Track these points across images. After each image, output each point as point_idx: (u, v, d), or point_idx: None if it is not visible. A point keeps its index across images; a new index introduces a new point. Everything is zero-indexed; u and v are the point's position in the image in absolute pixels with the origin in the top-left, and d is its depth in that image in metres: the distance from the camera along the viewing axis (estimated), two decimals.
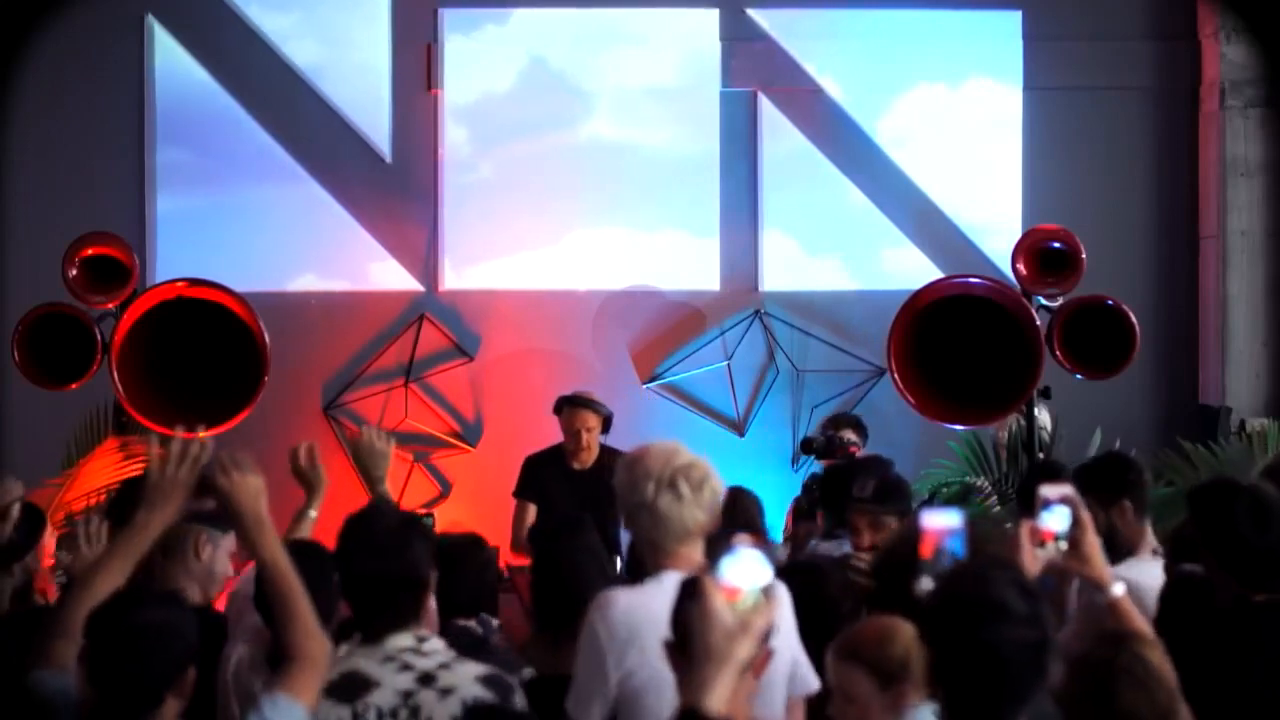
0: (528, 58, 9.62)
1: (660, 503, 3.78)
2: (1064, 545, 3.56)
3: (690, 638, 2.57)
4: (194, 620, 3.31)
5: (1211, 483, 4.69)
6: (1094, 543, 3.59)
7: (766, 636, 2.57)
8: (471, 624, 4.57)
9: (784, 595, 3.86)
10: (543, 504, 7.59)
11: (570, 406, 7.72)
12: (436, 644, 3.69)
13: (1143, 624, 3.65)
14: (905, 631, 3.40)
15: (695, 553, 3.83)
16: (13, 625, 4.46)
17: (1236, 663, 3.92)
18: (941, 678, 2.91)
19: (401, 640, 3.63)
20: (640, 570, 4.68)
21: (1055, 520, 3.54)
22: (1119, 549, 4.89)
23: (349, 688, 3.56)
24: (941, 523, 2.61)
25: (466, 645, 4.03)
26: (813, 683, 3.91)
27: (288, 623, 3.31)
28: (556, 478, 7.65)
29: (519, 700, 3.69)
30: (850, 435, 7.42)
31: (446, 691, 3.58)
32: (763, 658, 3.11)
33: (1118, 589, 3.63)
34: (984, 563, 3.17)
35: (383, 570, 3.64)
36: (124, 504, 5.37)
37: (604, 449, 7.70)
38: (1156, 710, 3.27)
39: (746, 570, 2.46)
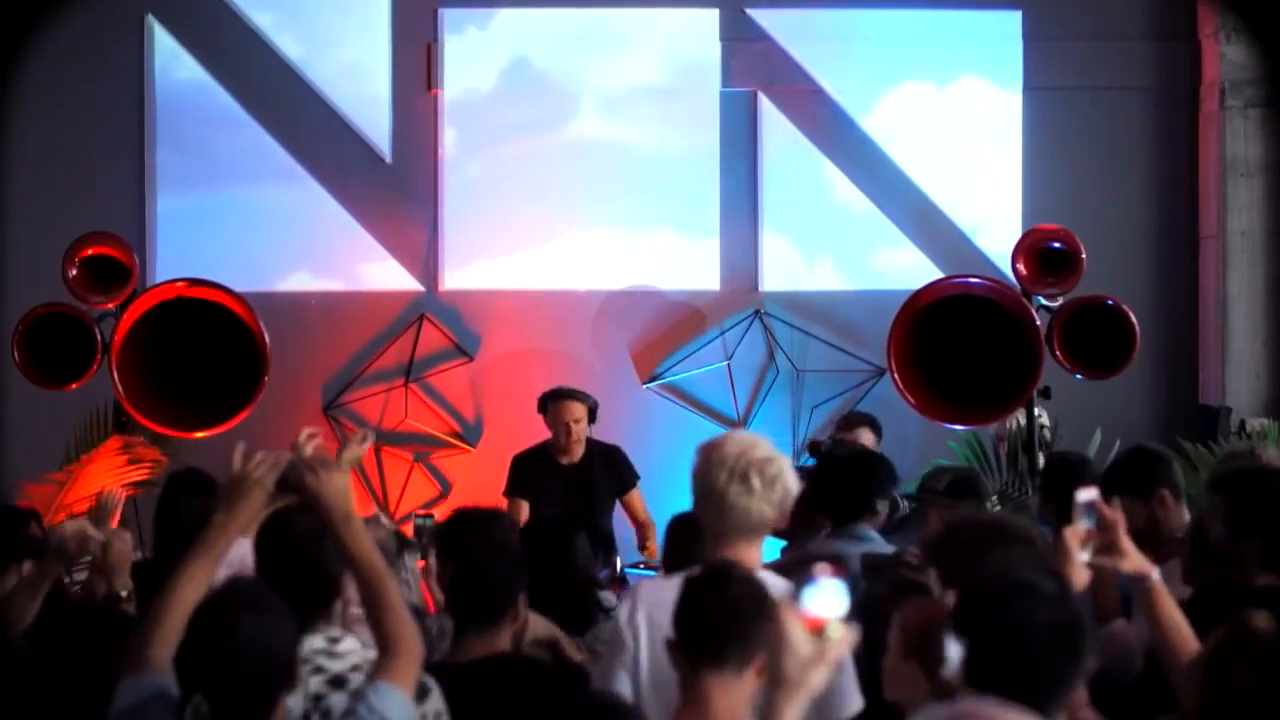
0: (527, 58, 9.62)
1: (730, 492, 3.75)
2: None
3: (768, 663, 2.59)
4: (291, 617, 3.26)
5: (1250, 470, 4.73)
6: (1126, 540, 3.66)
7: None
8: None
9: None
10: (533, 501, 7.58)
11: (555, 400, 7.70)
12: (350, 644, 3.64)
13: (1179, 613, 3.71)
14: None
15: (754, 550, 3.81)
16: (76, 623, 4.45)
17: None
18: (974, 672, 2.85)
19: (313, 642, 3.58)
20: (681, 558, 4.67)
21: (1083, 525, 3.64)
22: (1163, 539, 4.94)
23: None
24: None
25: None
26: (855, 702, 3.80)
27: (384, 615, 3.34)
28: (545, 474, 7.64)
29: (434, 701, 3.63)
30: (867, 435, 7.43)
31: (357, 695, 3.53)
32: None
33: (1155, 577, 3.70)
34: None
35: (295, 570, 3.60)
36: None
37: (592, 443, 7.70)
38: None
39: (828, 600, 2.45)
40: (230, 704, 3.15)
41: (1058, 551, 3.63)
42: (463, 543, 4.73)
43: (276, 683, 3.17)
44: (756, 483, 3.76)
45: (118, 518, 5.74)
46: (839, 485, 5.45)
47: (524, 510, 7.53)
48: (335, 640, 3.63)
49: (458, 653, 4.21)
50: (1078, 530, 3.62)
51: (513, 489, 7.70)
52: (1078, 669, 2.88)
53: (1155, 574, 3.73)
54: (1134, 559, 3.69)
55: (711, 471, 3.78)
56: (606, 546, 7.38)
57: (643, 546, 7.58)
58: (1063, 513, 5.04)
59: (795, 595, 2.47)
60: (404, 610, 3.36)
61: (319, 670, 3.56)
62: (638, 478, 7.74)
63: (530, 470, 7.69)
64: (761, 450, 3.80)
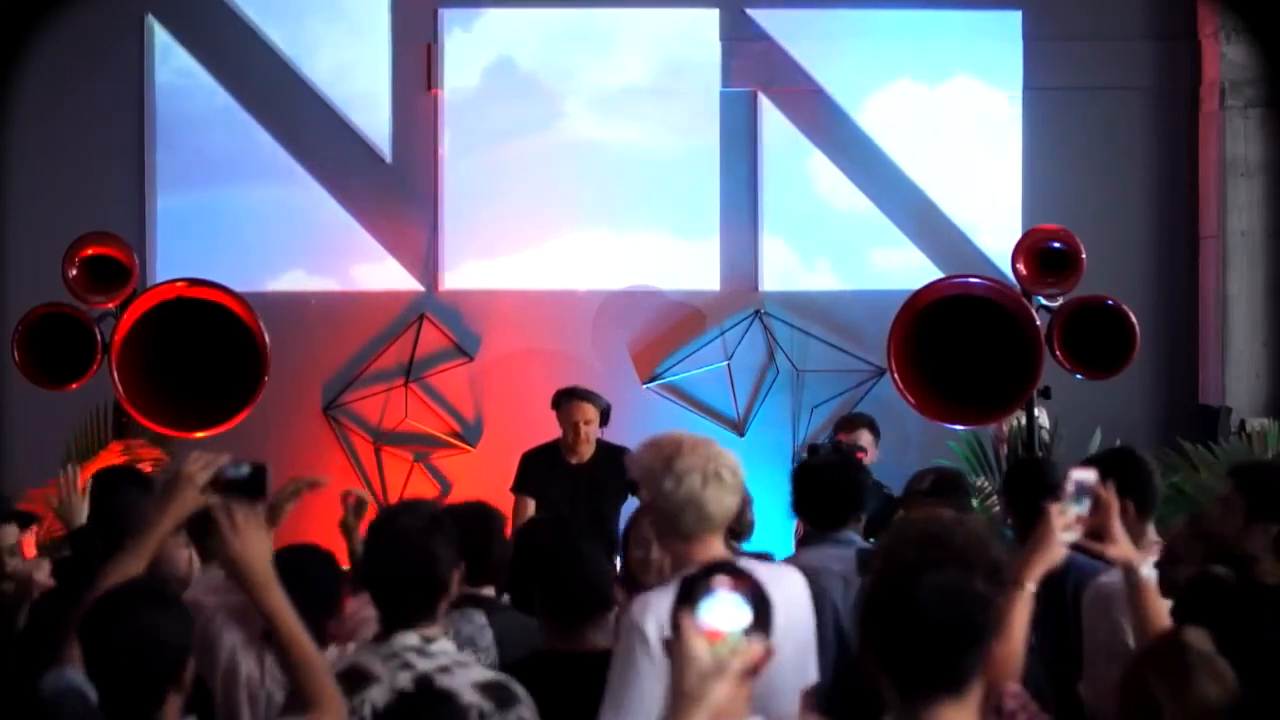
0: (527, 57, 9.62)
1: (708, 495, 3.76)
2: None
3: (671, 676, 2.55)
4: (187, 615, 3.30)
5: (1263, 464, 4.70)
6: (1118, 525, 3.64)
7: (755, 671, 2.56)
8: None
9: (802, 586, 3.88)
10: (540, 499, 7.59)
11: (568, 399, 7.72)
12: (445, 645, 3.66)
13: (1161, 607, 3.67)
14: None
15: (719, 544, 3.83)
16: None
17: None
18: (882, 654, 2.86)
19: (407, 639, 3.61)
20: (636, 575, 4.67)
21: (1072, 504, 3.60)
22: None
23: (350, 681, 3.55)
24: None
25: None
26: (812, 675, 3.91)
27: (305, 675, 3.30)
28: (554, 473, 7.65)
29: (522, 709, 3.62)
30: (866, 436, 7.42)
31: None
32: (762, 657, 3.10)
33: (1145, 569, 3.67)
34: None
35: (396, 567, 3.63)
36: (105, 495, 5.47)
37: (601, 444, 7.70)
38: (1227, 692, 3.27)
39: (726, 613, 2.44)
40: (116, 694, 3.17)
41: (1037, 528, 3.60)
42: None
43: (164, 681, 3.17)
44: (729, 479, 3.79)
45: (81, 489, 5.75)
46: (821, 490, 5.46)
47: (530, 508, 7.56)
48: (430, 640, 3.64)
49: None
50: (1064, 510, 3.57)
51: (520, 486, 7.72)
52: (977, 641, 2.86)
53: (1146, 566, 3.70)
54: (1123, 547, 3.68)
55: (684, 479, 3.77)
56: (611, 547, 7.38)
57: None
58: (1025, 519, 5.05)
59: (693, 608, 2.45)
60: (324, 673, 3.31)
61: (407, 666, 3.58)
62: None
63: (539, 468, 7.71)
64: (714, 447, 3.82)
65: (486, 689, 3.61)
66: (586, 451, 7.67)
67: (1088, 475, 3.63)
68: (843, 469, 5.60)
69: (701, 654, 2.43)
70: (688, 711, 2.52)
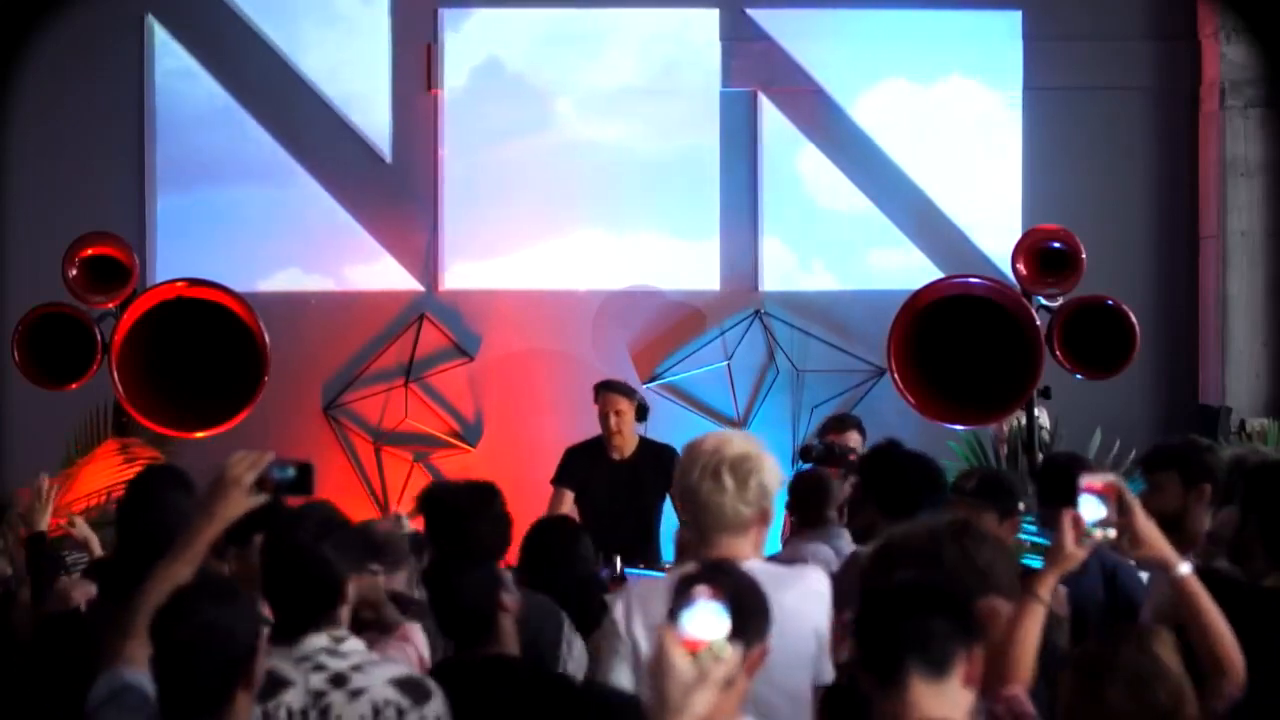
0: (526, 57, 9.62)
1: (703, 489, 3.76)
2: (1110, 534, 3.47)
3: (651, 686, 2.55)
4: (255, 610, 3.32)
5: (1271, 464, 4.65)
6: (1147, 524, 3.47)
7: (750, 671, 2.55)
8: None
9: (822, 585, 3.87)
10: (580, 493, 7.64)
11: (601, 391, 7.79)
12: (354, 645, 3.68)
13: (1209, 602, 3.51)
14: None
15: (738, 546, 3.79)
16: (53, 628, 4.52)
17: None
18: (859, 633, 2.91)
19: (316, 641, 3.63)
20: (683, 558, 4.69)
21: (1087, 510, 3.45)
22: (1183, 533, 4.85)
23: (263, 687, 3.55)
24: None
25: None
26: (828, 675, 3.89)
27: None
28: (595, 467, 7.69)
29: (436, 705, 3.65)
30: (855, 437, 7.42)
31: (357, 693, 3.58)
32: (757, 656, 3.10)
33: (1183, 568, 3.50)
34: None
35: (298, 572, 3.65)
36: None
37: (644, 441, 7.74)
38: (1157, 710, 3.24)
39: (705, 623, 2.43)
40: (182, 697, 3.17)
41: (1055, 534, 3.50)
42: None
43: (231, 679, 3.18)
44: (729, 481, 3.75)
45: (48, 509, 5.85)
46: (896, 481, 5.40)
47: (567, 500, 7.60)
48: (339, 640, 3.66)
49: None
50: (1078, 515, 3.45)
51: (560, 478, 7.75)
52: (944, 607, 2.88)
53: (1184, 566, 3.51)
54: (1153, 547, 3.47)
55: (687, 470, 3.80)
56: (647, 543, 7.44)
57: None
58: (1053, 520, 5.04)
59: (673, 618, 2.44)
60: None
61: (320, 668, 3.60)
62: None
63: (580, 462, 7.74)
64: (735, 448, 3.79)
65: (401, 684, 3.64)
66: (626, 446, 7.69)
67: (1096, 479, 3.49)
68: (920, 462, 5.59)
69: (683, 665, 2.43)
70: None
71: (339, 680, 3.59)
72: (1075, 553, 3.44)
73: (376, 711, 3.56)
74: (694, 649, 2.41)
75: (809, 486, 6.20)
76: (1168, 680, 3.28)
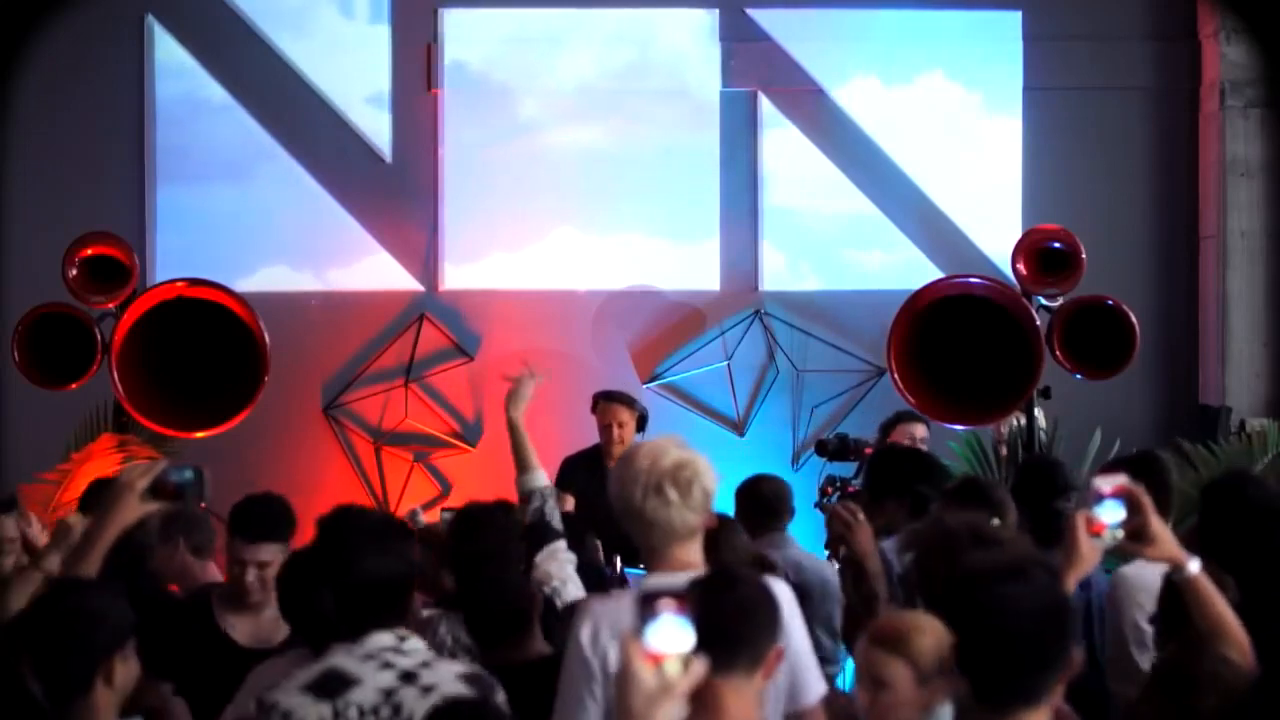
0: (529, 57, 9.62)
1: (648, 508, 3.72)
2: (1119, 535, 3.48)
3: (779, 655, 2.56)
4: (125, 608, 3.38)
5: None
6: (1159, 525, 3.50)
7: (768, 673, 2.55)
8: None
9: (788, 597, 3.83)
10: (578, 502, 7.61)
11: (603, 402, 7.79)
12: (416, 643, 3.71)
13: (1223, 604, 3.57)
14: (938, 626, 3.38)
15: (689, 552, 3.77)
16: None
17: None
18: (963, 656, 2.88)
19: (382, 639, 3.64)
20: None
21: (1107, 514, 3.47)
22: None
23: (330, 685, 3.57)
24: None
25: None
26: (819, 687, 3.85)
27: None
28: (591, 476, 7.66)
29: (500, 698, 3.69)
30: (921, 429, 7.51)
31: (428, 689, 3.59)
32: (774, 658, 3.10)
33: (1194, 566, 3.55)
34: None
35: (365, 569, 3.65)
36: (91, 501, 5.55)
37: None
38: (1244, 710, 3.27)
39: (669, 636, 2.44)
40: (47, 683, 3.30)
41: (1065, 539, 3.51)
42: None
43: (90, 668, 3.30)
44: (672, 493, 3.71)
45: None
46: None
47: (568, 502, 7.57)
48: (403, 638, 3.68)
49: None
50: (1089, 516, 3.47)
51: (558, 486, 7.72)
52: (1066, 649, 2.89)
53: (1194, 564, 3.56)
54: (1165, 546, 3.51)
55: (626, 490, 3.75)
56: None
57: None
58: (1036, 519, 5.04)
59: (638, 631, 2.45)
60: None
61: (388, 665, 3.61)
62: None
63: (577, 471, 7.75)
64: (670, 457, 3.74)
65: (468, 679, 3.68)
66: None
67: (1112, 480, 3.50)
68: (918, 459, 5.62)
69: (646, 678, 2.44)
70: None
71: (409, 677, 3.60)
72: (1090, 555, 3.47)
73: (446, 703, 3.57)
74: (657, 662, 2.42)
75: (756, 498, 6.24)
76: (1245, 679, 3.32)
